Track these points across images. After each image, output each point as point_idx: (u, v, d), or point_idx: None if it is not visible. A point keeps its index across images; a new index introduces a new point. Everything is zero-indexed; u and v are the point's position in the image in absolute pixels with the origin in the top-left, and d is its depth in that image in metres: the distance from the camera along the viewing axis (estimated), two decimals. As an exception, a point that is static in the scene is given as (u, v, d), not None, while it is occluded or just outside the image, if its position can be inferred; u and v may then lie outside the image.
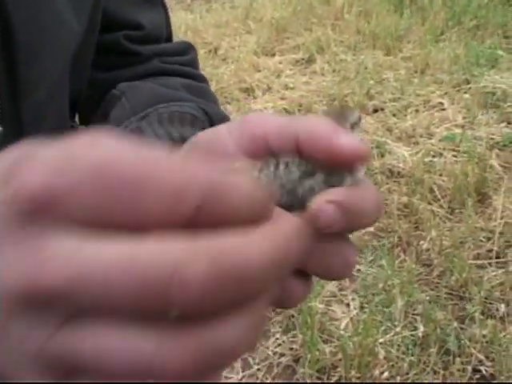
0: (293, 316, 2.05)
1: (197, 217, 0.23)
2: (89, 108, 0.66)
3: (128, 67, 0.66)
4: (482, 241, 2.33)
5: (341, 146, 0.31)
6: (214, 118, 0.59)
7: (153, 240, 0.22)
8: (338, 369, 1.88)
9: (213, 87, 3.58)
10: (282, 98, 3.45)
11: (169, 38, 0.72)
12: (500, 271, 2.19)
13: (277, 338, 2.00)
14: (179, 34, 4.42)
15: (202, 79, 0.70)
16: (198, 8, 5.06)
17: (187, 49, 0.71)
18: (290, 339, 1.99)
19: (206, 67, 3.85)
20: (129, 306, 0.22)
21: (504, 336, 1.94)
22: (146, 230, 0.22)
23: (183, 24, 4.55)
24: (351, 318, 2.04)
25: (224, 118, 0.60)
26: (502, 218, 2.40)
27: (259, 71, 3.80)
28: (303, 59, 3.92)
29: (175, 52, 0.69)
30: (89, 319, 0.22)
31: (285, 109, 3.32)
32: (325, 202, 0.30)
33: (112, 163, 0.22)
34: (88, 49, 0.61)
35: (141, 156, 0.23)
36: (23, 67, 0.50)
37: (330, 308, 2.11)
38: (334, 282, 2.21)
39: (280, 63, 3.90)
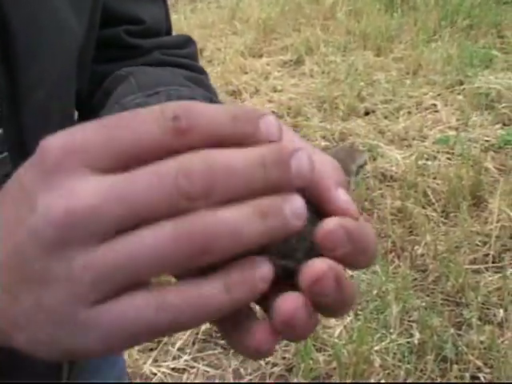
0: (285, 324, 2.07)
1: (178, 125, 0.29)
2: (88, 103, 0.68)
3: (128, 60, 0.68)
4: (477, 245, 2.37)
5: (338, 203, 0.34)
6: None
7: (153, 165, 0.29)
8: (333, 378, 1.90)
9: (199, 90, 3.60)
10: (270, 101, 3.48)
11: (168, 32, 0.74)
12: (497, 276, 2.23)
13: (269, 348, 2.02)
14: (163, 36, 4.45)
15: (201, 71, 0.73)
16: (183, 8, 5.09)
17: (187, 42, 0.74)
18: (283, 348, 2.01)
19: (191, 69, 3.88)
20: (152, 208, 0.28)
21: (502, 342, 1.97)
22: (147, 151, 0.29)
23: (167, 25, 4.58)
24: (345, 326, 2.07)
25: None
26: (498, 222, 2.44)
27: (246, 73, 3.84)
28: (291, 60, 3.96)
29: (175, 45, 0.72)
30: (118, 236, 0.28)
31: (273, 112, 3.35)
32: (337, 223, 0.32)
33: (108, 117, 0.30)
34: (89, 47, 0.63)
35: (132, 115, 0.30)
36: (22, 68, 0.51)
37: (323, 316, 2.13)
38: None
39: (268, 65, 3.94)
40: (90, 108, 0.68)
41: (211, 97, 0.63)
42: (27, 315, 0.30)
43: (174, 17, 4.83)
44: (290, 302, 0.32)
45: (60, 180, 0.29)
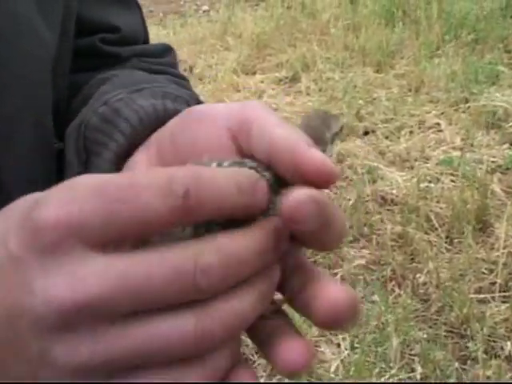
0: (278, 359, 2.08)
1: (188, 203, 0.31)
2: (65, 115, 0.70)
3: (106, 68, 0.70)
4: (483, 273, 2.39)
5: (309, 162, 0.35)
6: None
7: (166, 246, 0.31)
8: (328, 416, 1.90)
9: (188, 109, 3.64)
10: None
11: (146, 40, 0.76)
12: (504, 306, 2.24)
13: (260, 384, 2.03)
14: (151, 52, 4.50)
15: (183, 78, 0.74)
16: (172, 23, 5.16)
17: (166, 50, 0.76)
18: (275, 385, 2.01)
19: (180, 87, 3.92)
20: (164, 300, 0.30)
21: (510, 377, 1.98)
22: (151, 229, 0.31)
23: (155, 40, 4.59)
24: (342, 360, 2.07)
25: None
26: (505, 248, 2.46)
27: (239, 91, 3.88)
28: (287, 78, 4.00)
29: (154, 53, 0.74)
30: (129, 320, 0.30)
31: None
32: (306, 196, 0.33)
33: (106, 184, 0.30)
34: (64, 57, 0.65)
35: (128, 175, 0.32)
36: None
37: (319, 349, 2.14)
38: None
39: (261, 82, 3.98)
40: (67, 118, 0.70)
41: (197, 97, 0.64)
42: None
43: (162, 32, 4.90)
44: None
45: (58, 261, 0.29)
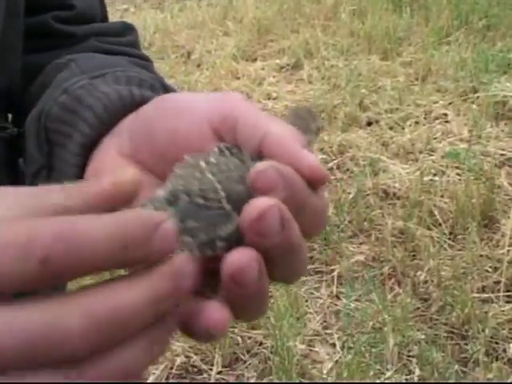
0: (269, 358, 2.08)
1: (47, 269, 0.30)
2: (21, 100, 0.69)
3: (62, 48, 0.69)
4: (487, 271, 2.38)
5: (304, 168, 0.38)
6: (171, 92, 0.61)
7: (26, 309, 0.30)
8: (320, 419, 1.90)
9: (184, 97, 3.63)
10: (264, 109, 3.49)
11: (104, 19, 0.76)
12: (508, 306, 2.23)
13: (250, 385, 2.03)
14: (147, 36, 4.49)
15: (147, 59, 0.73)
16: (170, 6, 5.15)
17: (127, 29, 0.75)
18: (265, 385, 2.01)
19: (177, 74, 3.92)
20: (24, 363, 0.30)
21: (512, 380, 1.97)
22: (9, 291, 0.30)
23: (152, 24, 4.63)
24: (336, 361, 2.07)
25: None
26: (510, 245, 2.45)
27: (238, 78, 3.87)
28: (288, 65, 3.99)
29: (114, 32, 0.73)
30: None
31: (266, 121, 3.37)
32: (268, 165, 0.37)
33: None
34: (11, 35, 0.64)
35: None
36: None
37: (313, 349, 2.14)
38: (317, 319, 2.24)
39: (262, 69, 3.97)
40: (23, 105, 0.68)
41: (162, 80, 0.64)
42: None
43: (159, 16, 4.89)
44: (239, 255, 0.35)
45: None
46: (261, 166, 0.37)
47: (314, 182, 0.39)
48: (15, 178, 0.71)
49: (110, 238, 0.30)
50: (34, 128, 0.59)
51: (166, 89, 0.61)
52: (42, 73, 0.67)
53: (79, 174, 0.53)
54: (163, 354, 0.34)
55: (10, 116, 0.72)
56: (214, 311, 0.36)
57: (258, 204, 0.35)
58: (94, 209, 0.33)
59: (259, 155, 0.41)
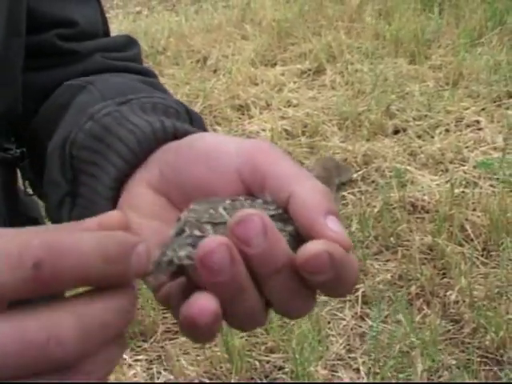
0: (289, 385, 2.07)
1: (39, 275, 0.33)
2: (29, 121, 0.71)
3: (67, 66, 0.72)
4: (524, 290, 2.36)
5: (325, 234, 0.42)
6: (194, 116, 0.64)
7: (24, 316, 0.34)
8: None
9: (200, 104, 3.65)
10: (284, 117, 3.51)
11: (106, 33, 0.78)
12: (546, 328, 2.21)
13: (269, 413, 2.02)
14: (161, 40, 4.52)
15: (151, 74, 0.76)
16: (185, 8, 5.18)
17: (130, 43, 0.78)
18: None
19: (192, 80, 3.94)
20: (19, 371, 0.33)
21: (550, 408, 1.95)
22: (3, 299, 0.33)
23: (166, 28, 4.65)
24: (360, 387, 2.06)
25: (201, 119, 0.66)
26: (548, 262, 2.43)
27: (257, 85, 3.87)
28: (310, 70, 3.99)
29: (117, 47, 0.76)
30: None
31: (286, 130, 3.37)
32: (320, 248, 0.40)
33: None
34: (13, 54, 0.67)
35: None
36: None
37: (335, 374, 2.13)
38: (341, 342, 2.23)
39: (282, 75, 3.97)
40: (33, 127, 0.71)
41: (186, 106, 0.65)
42: None
43: (174, 19, 4.92)
44: (209, 240, 0.40)
45: None
46: (313, 248, 0.41)
47: None
48: (12, 202, 0.72)
49: (93, 251, 0.34)
50: (58, 154, 0.61)
51: (189, 114, 0.63)
52: (55, 94, 0.70)
53: (111, 206, 0.56)
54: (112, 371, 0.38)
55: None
56: (201, 298, 0.39)
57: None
58: None
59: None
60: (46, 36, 0.71)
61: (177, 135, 0.55)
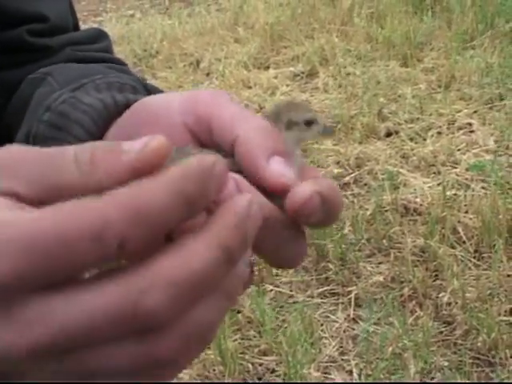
0: (282, 387, 2.08)
1: (123, 251, 0.33)
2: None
3: (38, 61, 0.72)
4: (515, 292, 2.36)
5: (266, 177, 0.42)
6: (153, 90, 0.65)
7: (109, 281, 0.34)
8: None
9: (192, 108, 3.65)
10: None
11: (76, 27, 0.79)
12: (538, 330, 2.22)
13: (262, 415, 2.02)
14: (154, 44, 4.53)
15: (122, 63, 0.77)
16: (178, 12, 5.18)
17: (100, 36, 0.78)
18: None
19: (185, 83, 3.94)
20: (109, 337, 0.34)
21: (542, 409, 1.95)
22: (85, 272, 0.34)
23: (159, 31, 4.66)
24: (353, 389, 2.06)
25: (162, 91, 0.66)
26: (540, 264, 2.43)
27: (249, 88, 3.88)
28: (303, 73, 4.00)
29: (87, 40, 0.77)
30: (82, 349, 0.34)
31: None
32: (313, 191, 0.41)
33: (34, 240, 0.33)
34: None
35: (53, 219, 0.33)
36: None
37: (328, 376, 2.13)
38: (333, 344, 2.23)
39: (275, 78, 3.98)
40: (6, 122, 0.71)
41: (142, 80, 0.67)
42: None
43: (167, 22, 4.92)
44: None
45: (5, 314, 0.34)
46: (306, 190, 0.42)
47: (277, 192, 0.43)
48: None
49: (173, 202, 0.34)
50: None
51: (147, 88, 0.64)
52: (20, 88, 0.70)
53: None
54: (235, 304, 0.39)
55: None
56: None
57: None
58: (114, 182, 0.35)
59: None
60: (17, 32, 0.71)
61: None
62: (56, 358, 0.34)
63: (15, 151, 0.36)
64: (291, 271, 2.50)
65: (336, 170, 3.06)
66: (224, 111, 0.46)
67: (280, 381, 2.10)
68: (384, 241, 2.62)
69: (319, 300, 2.42)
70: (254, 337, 2.26)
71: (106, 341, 0.34)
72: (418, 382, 1.99)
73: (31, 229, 0.33)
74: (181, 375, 2.15)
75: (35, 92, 0.66)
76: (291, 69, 4.07)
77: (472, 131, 3.30)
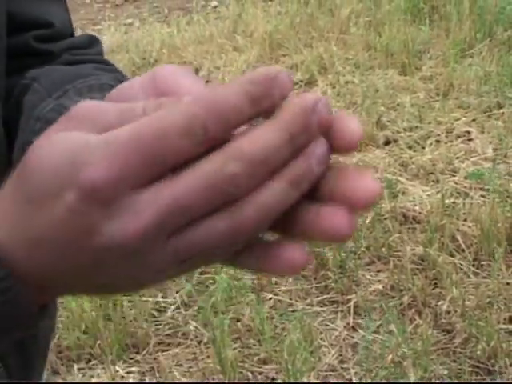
0: (281, 396, 2.08)
1: (208, 137, 0.38)
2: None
3: (38, 67, 0.73)
4: (515, 300, 2.37)
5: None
6: None
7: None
8: None
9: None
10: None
11: (72, 32, 0.81)
12: (537, 338, 2.22)
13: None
14: (153, 52, 4.54)
15: (111, 64, 0.79)
16: (177, 20, 5.19)
17: (93, 41, 0.81)
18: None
19: (183, 92, 3.94)
20: (203, 208, 0.38)
21: (541, 418, 1.96)
22: (182, 162, 0.39)
23: (158, 40, 4.67)
24: (353, 398, 2.06)
25: None
26: (539, 272, 2.44)
27: (248, 96, 3.88)
28: (302, 81, 4.01)
29: (82, 45, 0.79)
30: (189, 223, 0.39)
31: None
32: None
33: (139, 136, 0.38)
34: None
35: (152, 121, 0.38)
36: None
37: (328, 385, 2.13)
38: (333, 352, 2.23)
39: (273, 86, 3.98)
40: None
41: (122, 77, 0.69)
42: None
43: (166, 30, 4.93)
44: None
45: (117, 208, 0.38)
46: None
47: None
48: None
49: (240, 100, 0.38)
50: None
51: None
52: (13, 93, 0.72)
53: None
54: (298, 194, 0.39)
55: None
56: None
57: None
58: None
59: None
60: (23, 37, 0.73)
61: None
62: (161, 238, 0.38)
63: (90, 104, 0.42)
64: (290, 279, 2.50)
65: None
66: (185, 87, 0.47)
67: (280, 389, 2.10)
68: (383, 249, 2.63)
69: (318, 308, 2.42)
70: (254, 345, 2.26)
71: (202, 214, 0.38)
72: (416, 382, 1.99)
73: (135, 130, 0.38)
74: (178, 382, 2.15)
75: (23, 99, 0.69)
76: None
77: (470, 139, 3.30)
